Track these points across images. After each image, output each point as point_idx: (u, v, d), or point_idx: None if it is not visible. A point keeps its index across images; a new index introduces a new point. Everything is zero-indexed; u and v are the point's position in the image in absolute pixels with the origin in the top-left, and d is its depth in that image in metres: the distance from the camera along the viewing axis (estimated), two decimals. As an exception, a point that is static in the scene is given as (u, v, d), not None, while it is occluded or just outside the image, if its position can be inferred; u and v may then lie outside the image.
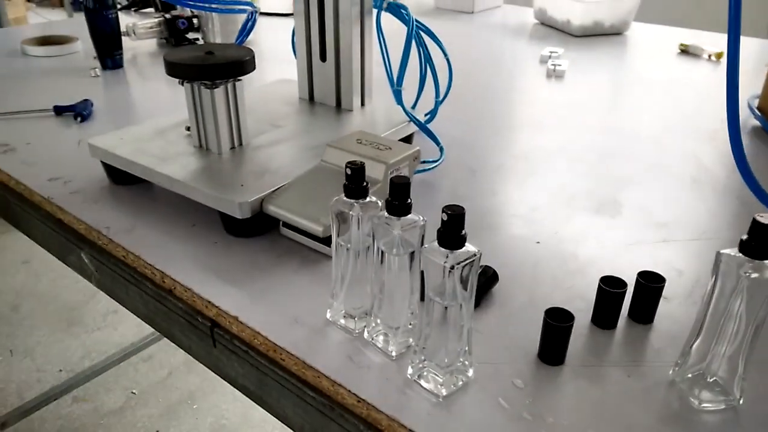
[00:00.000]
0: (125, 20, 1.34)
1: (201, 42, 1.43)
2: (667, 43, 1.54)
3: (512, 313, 0.57)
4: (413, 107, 0.90)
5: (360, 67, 0.88)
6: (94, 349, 1.97)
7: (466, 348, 0.48)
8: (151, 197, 0.76)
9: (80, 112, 0.99)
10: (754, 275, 0.43)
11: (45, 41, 1.38)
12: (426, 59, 0.87)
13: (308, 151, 0.76)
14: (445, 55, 0.89)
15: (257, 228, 0.68)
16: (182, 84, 0.74)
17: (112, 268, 0.68)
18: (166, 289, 0.63)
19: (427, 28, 0.87)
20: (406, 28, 0.82)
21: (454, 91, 0.94)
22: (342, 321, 0.55)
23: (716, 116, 1.07)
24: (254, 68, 0.73)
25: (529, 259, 0.65)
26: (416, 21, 0.84)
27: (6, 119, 0.99)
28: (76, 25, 1.47)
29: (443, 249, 0.44)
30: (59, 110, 1.00)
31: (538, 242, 0.68)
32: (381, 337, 0.53)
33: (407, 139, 0.87)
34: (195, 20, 1.40)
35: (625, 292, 0.54)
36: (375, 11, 0.87)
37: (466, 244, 0.44)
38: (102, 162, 0.78)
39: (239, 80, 0.74)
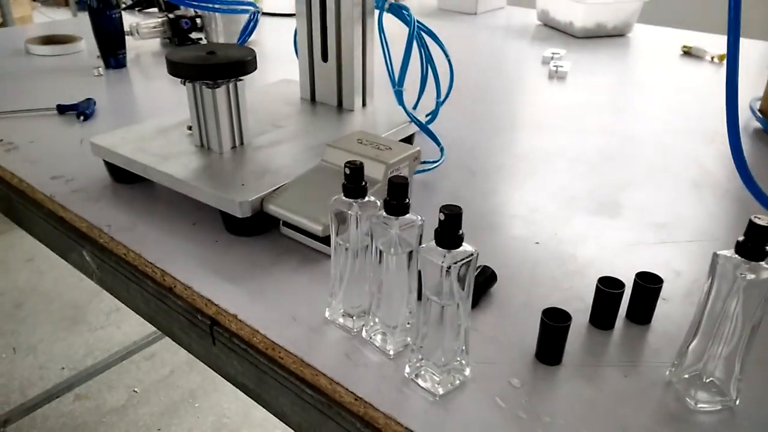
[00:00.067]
0: (129, 20, 1.35)
1: (204, 42, 1.43)
2: (670, 45, 1.54)
3: (510, 313, 0.58)
4: (414, 108, 0.90)
5: (361, 68, 0.89)
6: (97, 347, 1.98)
7: (463, 347, 0.49)
8: (152, 196, 0.76)
9: (83, 111, 0.99)
10: (750, 276, 0.43)
11: (49, 40, 1.39)
12: (427, 60, 0.87)
13: (309, 151, 0.76)
14: (446, 56, 0.90)
15: (257, 227, 0.68)
16: (184, 83, 0.74)
17: (113, 266, 0.68)
18: (167, 287, 0.63)
19: (428, 28, 0.87)
20: (407, 29, 0.83)
21: (455, 92, 0.95)
22: (340, 320, 0.55)
23: (718, 118, 1.07)
24: (256, 68, 0.74)
25: (528, 260, 0.65)
26: (417, 22, 0.84)
27: (10, 118, 0.99)
28: (81, 25, 1.48)
29: (440, 248, 0.44)
30: (62, 109, 1.01)
31: (537, 243, 0.68)
32: (379, 336, 0.53)
33: (408, 140, 0.88)
34: (198, 20, 1.41)
35: (622, 293, 0.55)
36: (377, 12, 0.87)
37: (464, 243, 0.44)
38: (104, 160, 0.78)
39: (241, 80, 0.75)
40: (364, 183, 0.51)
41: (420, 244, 0.48)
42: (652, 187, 0.83)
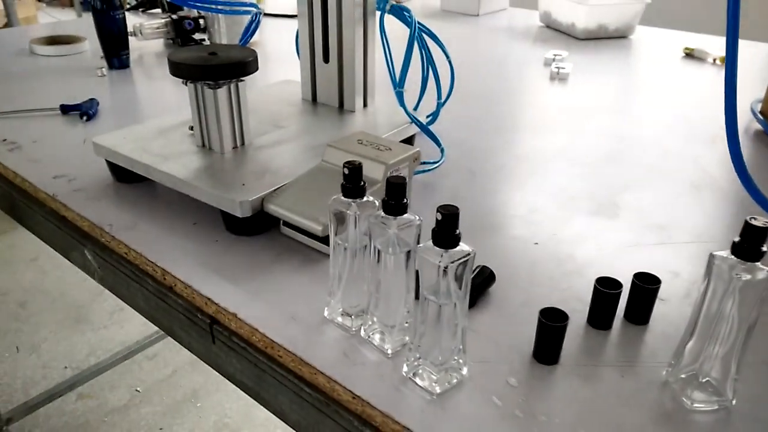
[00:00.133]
0: (132, 20, 1.36)
1: (207, 43, 1.44)
2: (672, 46, 1.54)
3: (508, 313, 0.58)
4: (415, 109, 0.90)
5: (362, 69, 0.89)
6: (100, 346, 1.99)
7: (461, 346, 0.49)
8: (153, 195, 0.77)
9: (86, 111, 1.00)
10: (746, 277, 0.43)
11: (53, 41, 1.39)
12: (428, 61, 0.88)
13: (310, 152, 0.77)
14: (447, 57, 0.90)
15: (258, 227, 0.69)
16: (186, 84, 0.74)
17: (114, 264, 0.69)
18: (167, 286, 0.63)
19: (429, 30, 0.88)
20: (408, 30, 0.83)
21: (457, 93, 0.95)
22: (339, 319, 0.56)
23: (719, 120, 1.07)
24: (257, 69, 0.74)
25: (526, 260, 0.66)
26: (418, 23, 0.85)
27: (14, 117, 1.00)
28: (85, 25, 1.49)
29: (438, 248, 0.44)
30: (65, 109, 1.02)
31: (536, 243, 0.69)
32: (377, 335, 0.53)
33: (409, 141, 0.88)
34: (201, 21, 1.41)
35: (620, 293, 0.55)
36: (378, 13, 0.88)
37: (461, 243, 0.44)
38: (106, 160, 0.79)
39: (242, 81, 0.75)
40: (362, 183, 0.51)
41: (418, 243, 0.49)
42: (651, 188, 0.83)
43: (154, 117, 0.88)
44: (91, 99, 1.04)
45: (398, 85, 0.84)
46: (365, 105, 0.92)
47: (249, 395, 0.59)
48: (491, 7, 1.89)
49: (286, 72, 1.08)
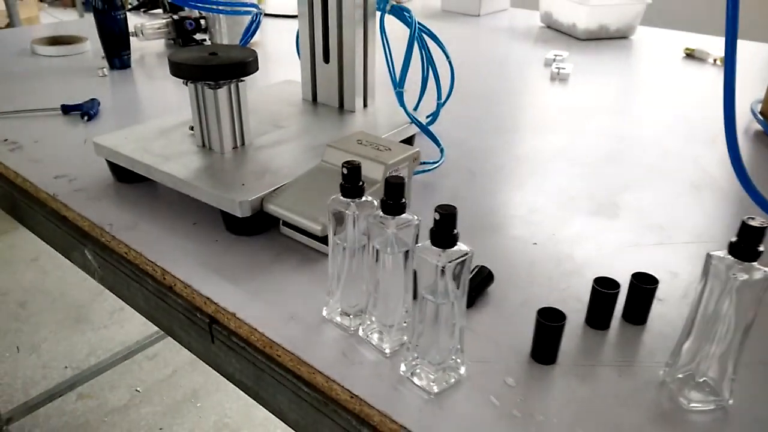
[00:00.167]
0: (134, 21, 1.36)
1: (208, 43, 1.44)
2: (673, 47, 1.54)
3: (507, 312, 0.58)
4: (415, 109, 0.91)
5: (363, 69, 0.89)
6: (100, 346, 1.99)
7: (459, 346, 0.49)
8: (153, 195, 0.77)
9: (87, 111, 1.00)
10: (743, 277, 0.43)
11: (55, 41, 1.40)
12: (428, 61, 0.88)
13: (310, 152, 0.77)
14: (447, 57, 0.90)
15: (257, 226, 0.69)
16: (186, 84, 0.75)
17: (114, 264, 0.69)
18: (167, 285, 0.64)
19: (429, 30, 0.88)
20: (408, 31, 0.83)
21: (457, 93, 0.95)
22: (338, 318, 0.56)
23: (719, 120, 1.07)
24: (257, 69, 0.74)
25: (525, 260, 0.66)
26: (419, 23, 0.85)
27: (15, 117, 1.00)
28: (86, 26, 1.49)
29: (435, 248, 0.44)
30: (66, 109, 1.02)
31: (535, 243, 0.69)
32: (375, 335, 0.54)
33: (409, 141, 0.88)
34: (202, 21, 1.42)
35: (618, 293, 0.55)
36: (378, 14, 0.88)
37: (459, 243, 0.45)
38: (107, 160, 0.79)
39: (242, 81, 0.75)
40: (361, 183, 0.51)
41: (416, 243, 0.49)
42: (651, 188, 0.83)
43: (155, 117, 0.88)
44: (92, 99, 1.05)
45: (398, 85, 0.84)
46: (365, 105, 0.92)
47: (248, 395, 0.59)
48: (492, 8, 1.90)
49: (287, 72, 1.09)
